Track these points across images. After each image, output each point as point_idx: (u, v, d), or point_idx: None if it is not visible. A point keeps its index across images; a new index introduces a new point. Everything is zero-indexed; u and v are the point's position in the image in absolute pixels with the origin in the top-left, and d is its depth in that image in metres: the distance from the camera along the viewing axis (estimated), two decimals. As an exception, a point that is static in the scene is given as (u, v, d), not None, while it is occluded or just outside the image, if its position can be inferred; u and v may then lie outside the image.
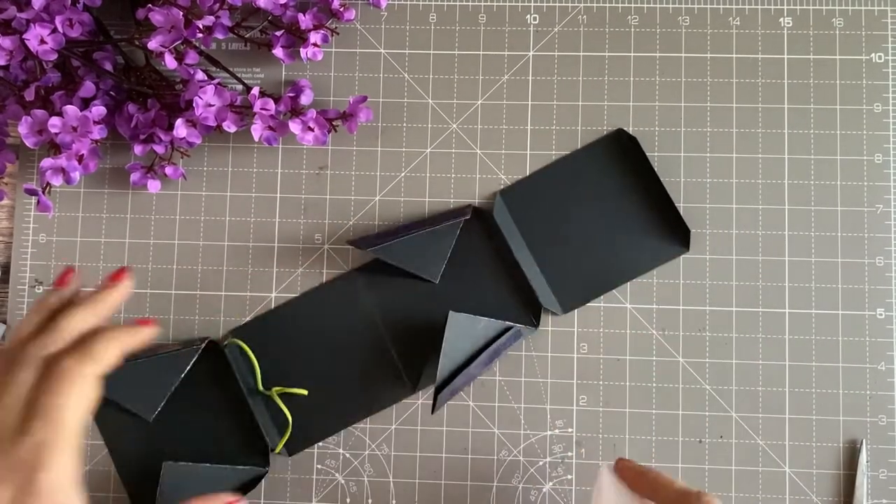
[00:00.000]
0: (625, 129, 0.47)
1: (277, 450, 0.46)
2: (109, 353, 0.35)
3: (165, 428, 0.46)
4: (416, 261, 0.46)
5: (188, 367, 0.45)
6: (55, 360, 0.34)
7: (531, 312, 0.47)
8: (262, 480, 0.46)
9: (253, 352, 0.46)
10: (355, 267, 0.47)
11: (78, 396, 0.34)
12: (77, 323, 0.36)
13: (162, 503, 0.44)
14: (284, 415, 0.45)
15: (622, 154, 0.47)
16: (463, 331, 0.44)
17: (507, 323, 0.46)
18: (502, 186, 0.48)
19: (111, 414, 0.46)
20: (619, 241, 0.47)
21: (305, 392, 0.46)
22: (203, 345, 0.45)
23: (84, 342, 0.35)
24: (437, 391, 0.43)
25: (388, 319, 0.47)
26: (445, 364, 0.43)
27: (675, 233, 0.47)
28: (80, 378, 0.34)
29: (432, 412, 0.44)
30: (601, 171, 0.47)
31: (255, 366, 0.46)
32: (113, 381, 0.37)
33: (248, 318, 0.47)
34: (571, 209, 0.47)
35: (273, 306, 0.47)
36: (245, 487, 0.45)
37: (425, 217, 0.47)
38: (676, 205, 0.46)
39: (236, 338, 0.47)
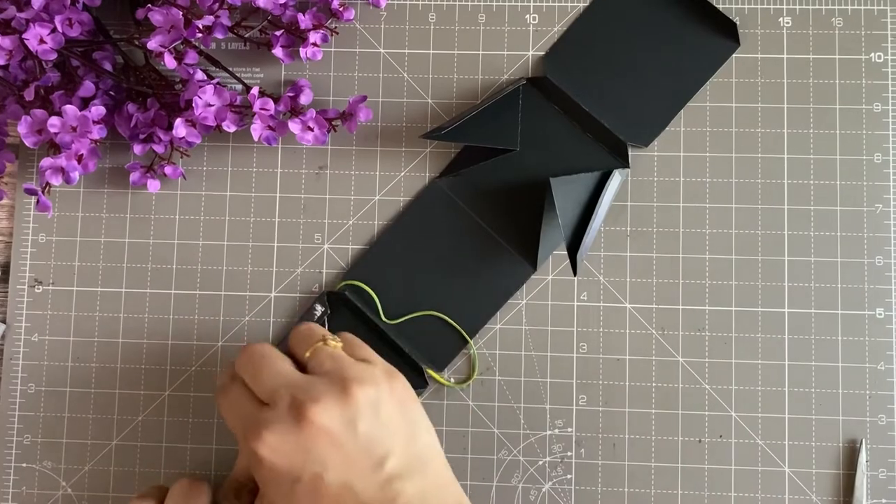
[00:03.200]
0: None
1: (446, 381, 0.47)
2: None
3: None
4: (490, 134, 0.46)
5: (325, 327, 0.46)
6: None
7: (618, 154, 0.47)
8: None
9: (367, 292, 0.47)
10: (433, 175, 0.48)
11: None
12: None
13: None
14: (419, 342, 0.46)
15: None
16: (568, 193, 0.45)
17: (602, 170, 0.46)
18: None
19: None
20: (673, 58, 0.48)
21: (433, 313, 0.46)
22: (325, 309, 0.46)
23: None
24: (571, 253, 0.44)
25: (483, 209, 0.47)
26: (567, 228, 0.44)
27: (722, 31, 0.47)
28: None
29: (574, 275, 0.45)
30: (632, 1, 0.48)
31: (375, 299, 0.46)
32: None
33: (349, 265, 0.47)
34: (618, 45, 0.48)
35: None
36: None
37: (477, 101, 0.48)
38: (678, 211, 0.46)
39: (347, 281, 0.47)
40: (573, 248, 0.44)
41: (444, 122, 0.47)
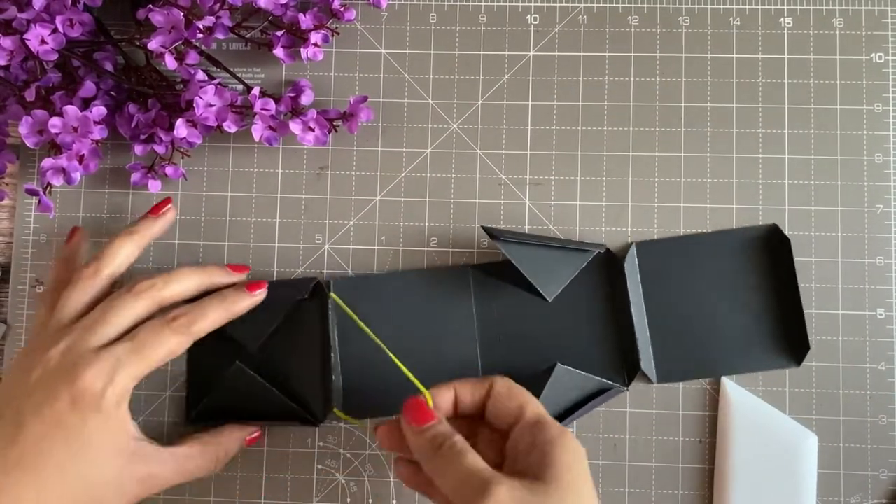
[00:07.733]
0: (779, 227, 0.46)
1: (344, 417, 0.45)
2: (207, 325, 0.41)
3: (260, 359, 0.46)
4: (539, 273, 0.44)
5: (291, 307, 0.46)
6: (173, 317, 0.40)
7: (626, 371, 0.46)
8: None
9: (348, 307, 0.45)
10: (472, 263, 0.47)
11: (168, 351, 0.40)
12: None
13: (215, 395, 0.45)
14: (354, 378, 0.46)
15: (768, 252, 0.46)
16: (563, 383, 0.43)
17: (605, 382, 0.45)
18: (502, 185, 0.48)
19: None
20: (734, 334, 0.46)
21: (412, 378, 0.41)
22: (311, 286, 0.46)
23: (195, 313, 0.41)
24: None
25: (485, 321, 0.46)
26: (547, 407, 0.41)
27: (793, 345, 0.46)
28: (179, 338, 0.40)
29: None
30: (742, 261, 0.46)
31: (360, 323, 0.43)
32: None
33: (351, 273, 0.47)
34: (699, 286, 0.46)
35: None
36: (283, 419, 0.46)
37: (558, 238, 0.47)
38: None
39: (338, 288, 0.47)
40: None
41: (508, 231, 0.46)
